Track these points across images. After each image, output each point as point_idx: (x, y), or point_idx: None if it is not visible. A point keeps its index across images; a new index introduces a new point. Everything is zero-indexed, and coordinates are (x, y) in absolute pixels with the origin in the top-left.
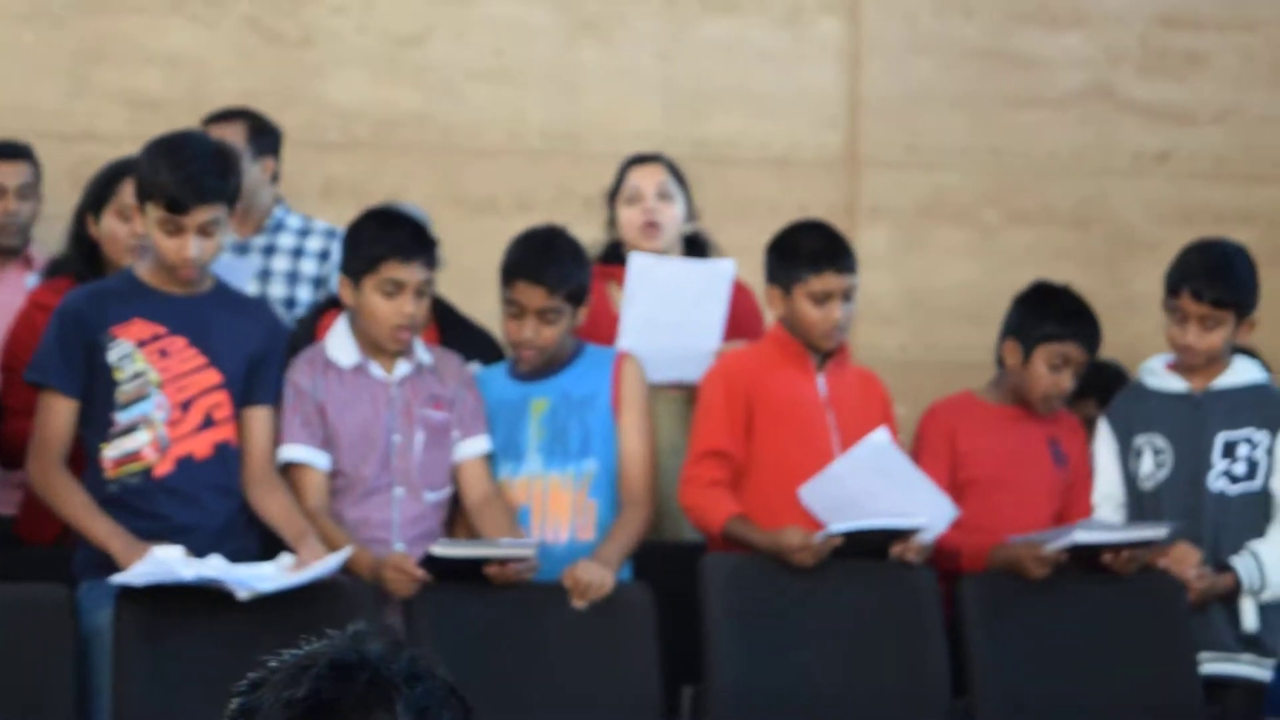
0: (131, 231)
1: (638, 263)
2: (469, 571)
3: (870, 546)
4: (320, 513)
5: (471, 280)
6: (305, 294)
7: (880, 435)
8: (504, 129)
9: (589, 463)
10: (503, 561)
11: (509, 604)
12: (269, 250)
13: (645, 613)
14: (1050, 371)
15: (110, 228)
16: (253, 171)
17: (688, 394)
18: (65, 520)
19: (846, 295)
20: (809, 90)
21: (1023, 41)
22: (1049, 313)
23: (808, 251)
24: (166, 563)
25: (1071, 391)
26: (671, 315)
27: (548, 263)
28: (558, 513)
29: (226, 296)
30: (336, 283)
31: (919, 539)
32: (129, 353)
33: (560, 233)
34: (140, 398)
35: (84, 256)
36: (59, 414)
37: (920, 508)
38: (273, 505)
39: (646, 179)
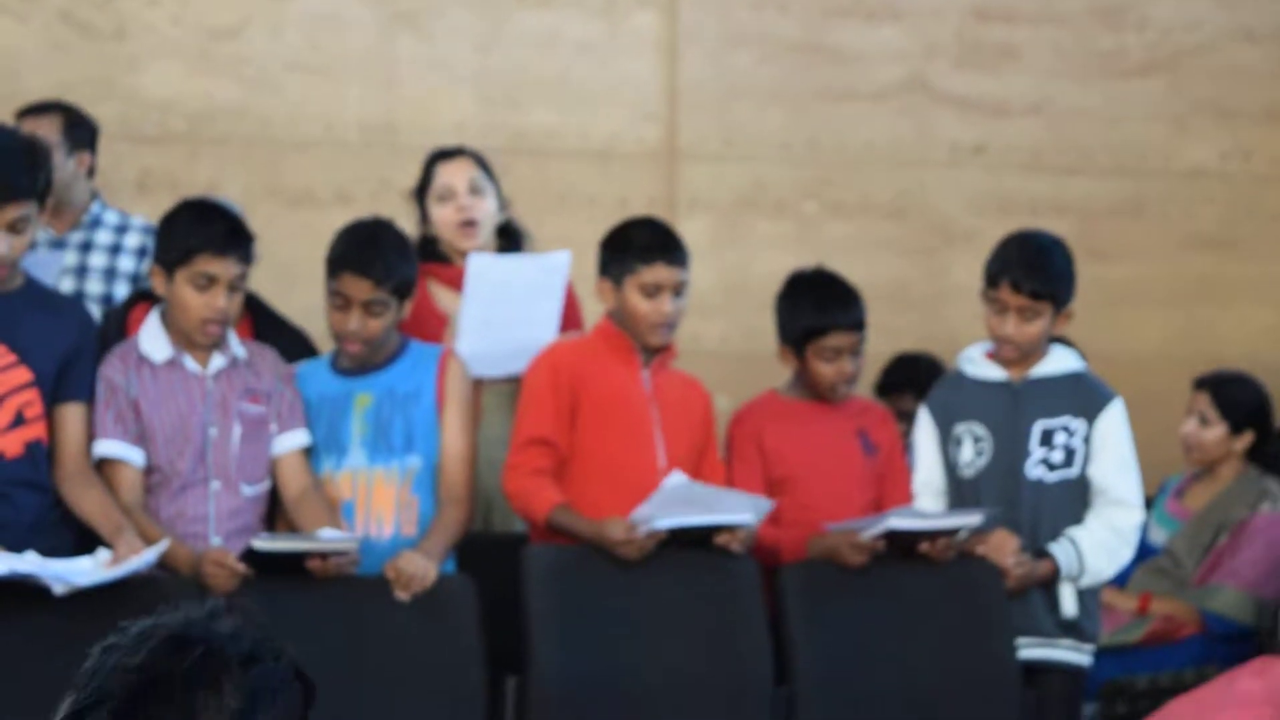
0: None
1: (476, 263)
2: (290, 565)
3: (694, 537)
4: (135, 508)
5: (288, 274)
6: (123, 291)
7: (676, 477)
8: (321, 121)
9: (413, 458)
10: (324, 555)
11: (331, 598)
12: (85, 246)
13: (468, 604)
14: (826, 364)
15: None
16: (68, 166)
17: (516, 385)
18: None
19: (677, 290)
20: (627, 82)
21: (839, 35)
22: (804, 307)
23: (640, 244)
24: None
25: (858, 372)
26: (508, 312)
27: (374, 255)
28: (381, 507)
29: (36, 294)
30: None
31: (742, 529)
32: None
33: (387, 225)
34: None
35: None
36: None
37: (738, 512)
38: (87, 501)
39: (456, 175)
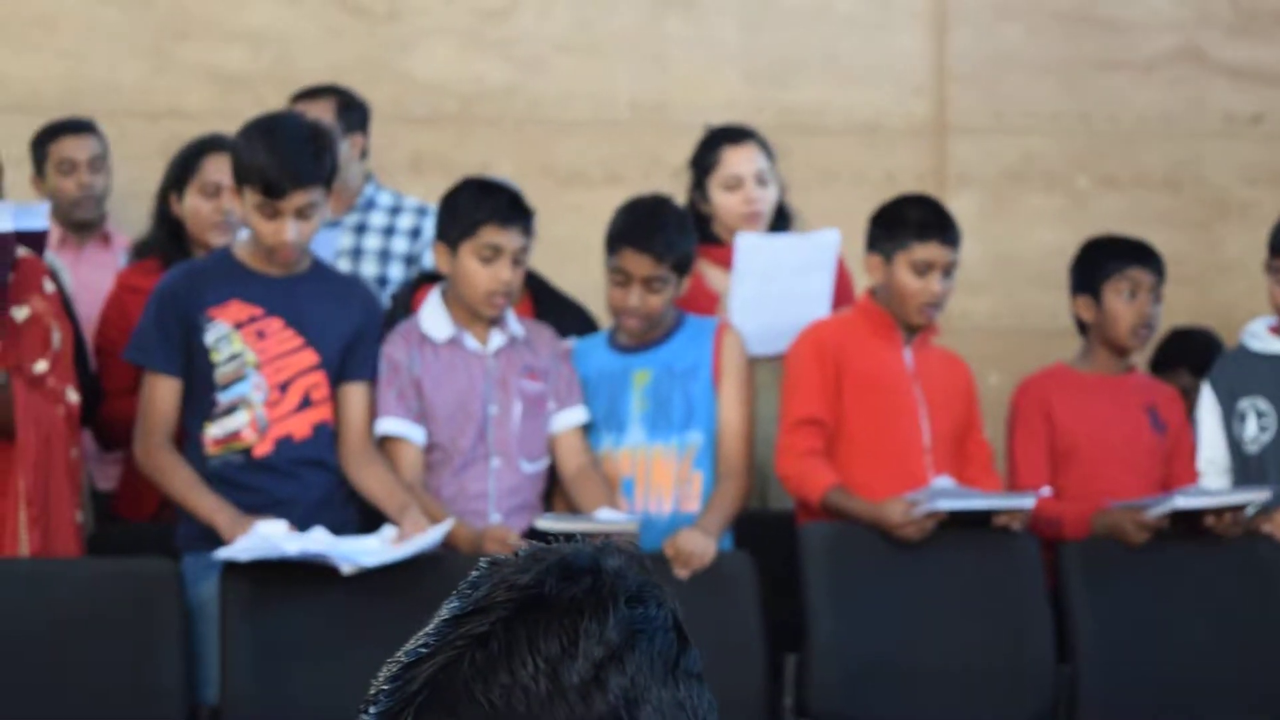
0: (216, 208)
1: (745, 242)
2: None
3: (972, 518)
4: (417, 486)
5: (561, 252)
6: (397, 272)
7: (943, 481)
8: (591, 101)
9: (693, 434)
10: (606, 535)
11: None
12: (360, 228)
13: (747, 581)
14: (1127, 302)
15: (193, 205)
16: (342, 148)
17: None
18: (170, 497)
19: (947, 270)
20: (894, 57)
21: (1110, 4)
22: (1103, 254)
23: (914, 221)
24: (270, 538)
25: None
26: (779, 289)
27: (655, 230)
28: (661, 484)
29: (323, 276)
30: (428, 260)
31: (1022, 511)
32: (225, 334)
33: (666, 201)
34: (238, 379)
35: (169, 235)
36: (161, 393)
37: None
38: (372, 479)
39: (745, 164)
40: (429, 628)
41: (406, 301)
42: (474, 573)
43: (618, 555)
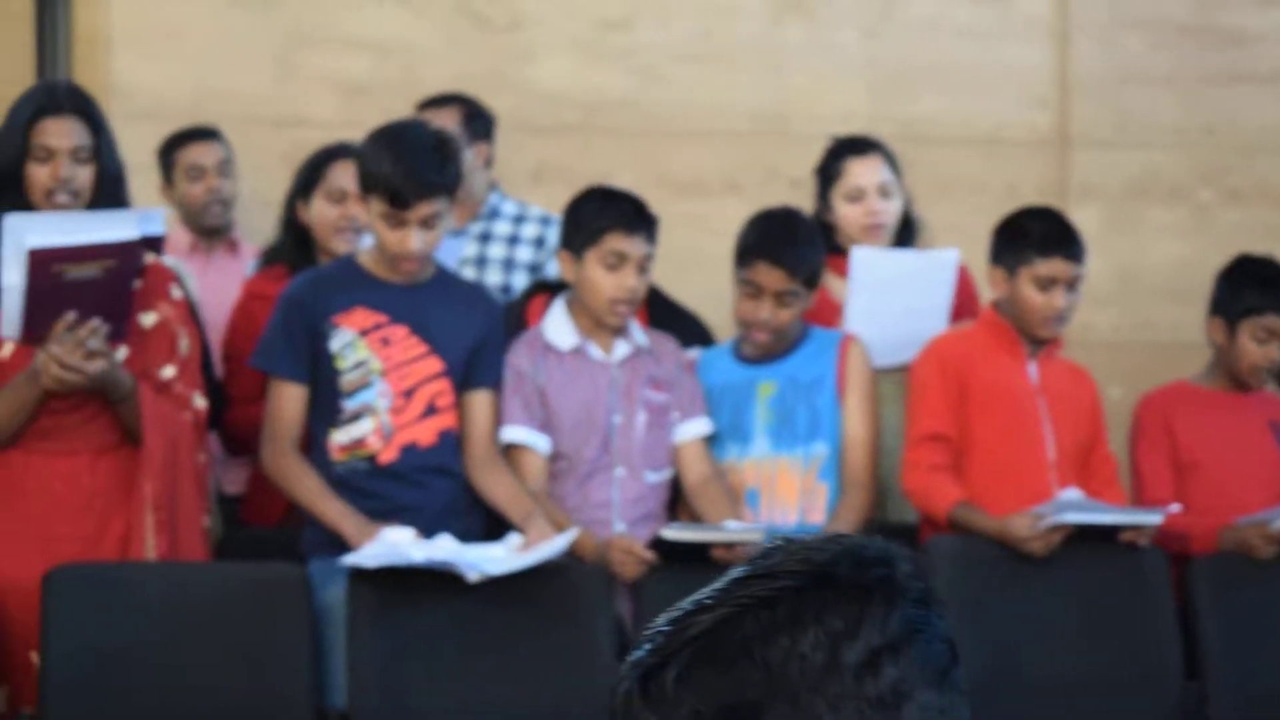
0: (342, 215)
1: (861, 256)
2: (695, 554)
3: (1098, 532)
4: (541, 494)
5: (678, 262)
6: (521, 281)
7: (1071, 493)
8: (711, 111)
9: (818, 446)
10: (730, 545)
11: None
12: (484, 237)
13: None
14: (1257, 345)
15: (320, 212)
16: (466, 157)
17: (906, 374)
18: (297, 503)
19: (1071, 284)
20: (1016, 68)
21: (1232, 17)
22: (1250, 286)
23: (1038, 235)
24: (398, 545)
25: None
26: (896, 303)
27: (788, 244)
28: (786, 495)
29: (446, 283)
30: (551, 270)
31: (1149, 526)
32: (350, 341)
33: (798, 214)
34: (363, 386)
35: (295, 242)
36: (288, 399)
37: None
38: (498, 486)
39: (868, 176)
40: (715, 584)
41: (520, 311)
42: (765, 546)
43: (907, 559)
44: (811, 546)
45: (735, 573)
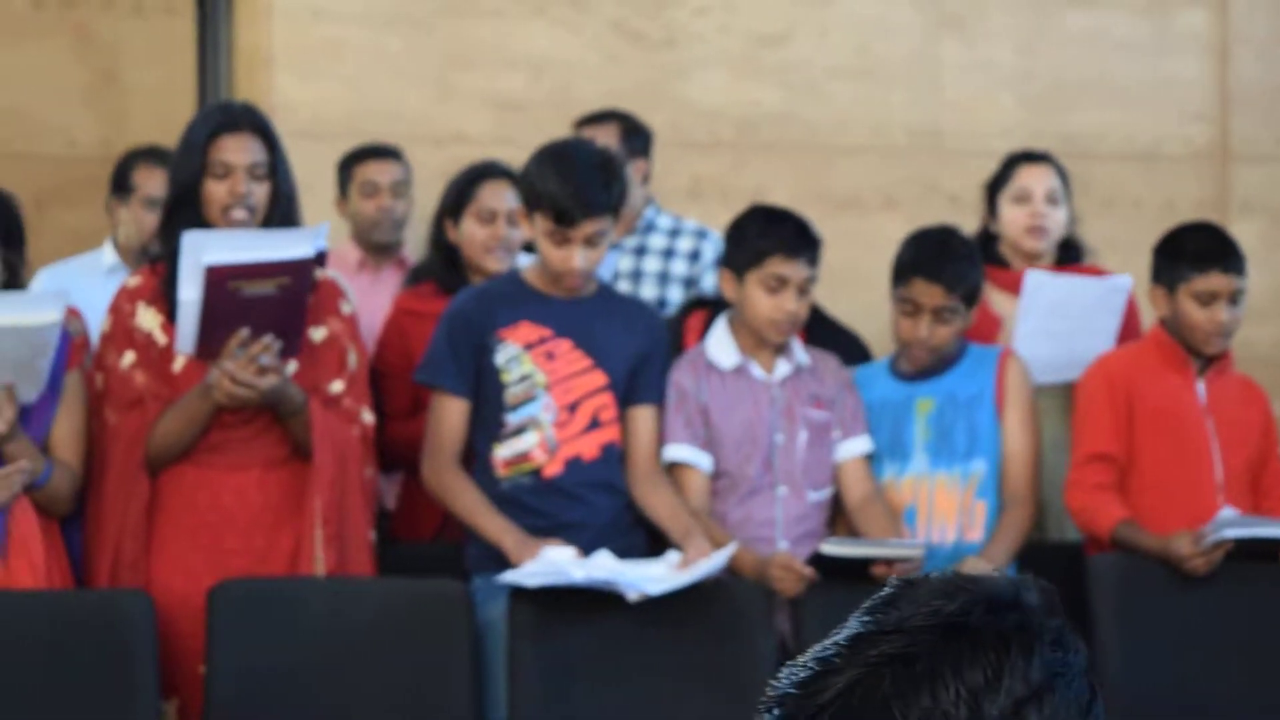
0: (491, 234)
1: (1033, 280)
2: (854, 570)
3: (1261, 550)
4: (703, 512)
5: (835, 278)
6: (676, 295)
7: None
8: (867, 126)
9: (977, 463)
10: (890, 561)
11: None
12: (640, 251)
13: None
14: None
15: (469, 231)
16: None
17: (1066, 389)
18: (458, 518)
19: (1233, 298)
20: (1173, 82)
21: None
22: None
23: (1194, 251)
24: (558, 564)
25: None
26: (1065, 325)
27: (946, 261)
28: (944, 513)
29: (610, 299)
30: (706, 283)
31: None
32: (516, 355)
33: (956, 232)
34: (528, 399)
35: (444, 260)
36: (451, 414)
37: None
38: (659, 503)
39: (1036, 180)
40: (838, 639)
41: (678, 328)
42: (886, 590)
43: (1035, 593)
44: (938, 594)
45: (857, 625)
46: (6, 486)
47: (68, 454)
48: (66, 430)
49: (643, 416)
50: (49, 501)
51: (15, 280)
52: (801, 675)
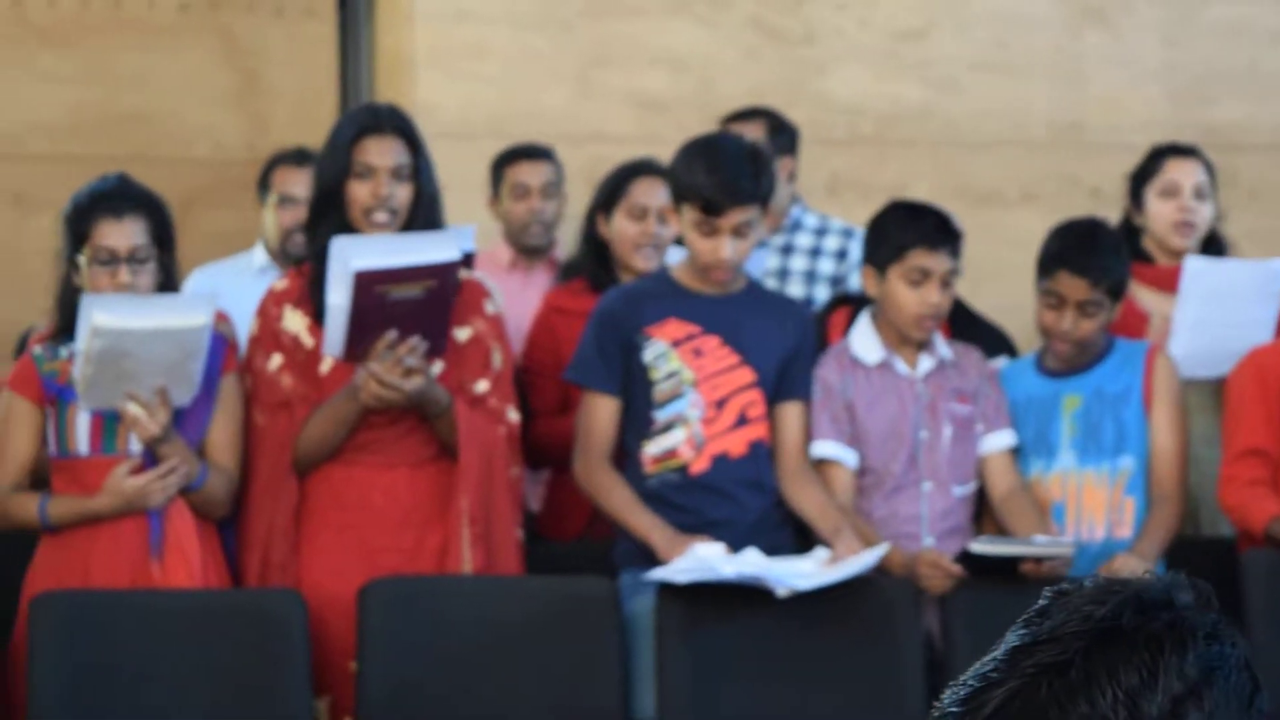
0: (642, 231)
1: (1193, 265)
2: (1002, 568)
3: None
4: (849, 509)
5: (976, 273)
6: (822, 294)
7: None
8: (1007, 120)
9: (1125, 460)
10: (1039, 559)
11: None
12: (786, 249)
13: None
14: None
15: (620, 228)
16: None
17: (1218, 383)
18: (608, 515)
19: None
20: None
21: None
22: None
23: None
24: (707, 560)
25: None
26: (1222, 315)
27: (1091, 253)
28: (1092, 510)
29: (757, 295)
30: (853, 283)
31: None
32: (663, 352)
33: (1101, 224)
34: (675, 396)
35: (595, 257)
36: (601, 412)
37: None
38: (808, 499)
39: (1184, 174)
40: (995, 654)
41: (822, 325)
42: (1040, 602)
43: (1188, 591)
44: (1089, 600)
45: (1014, 638)
46: (161, 489)
47: (224, 458)
48: (222, 434)
49: (791, 413)
50: (204, 504)
51: (170, 283)
52: (963, 692)
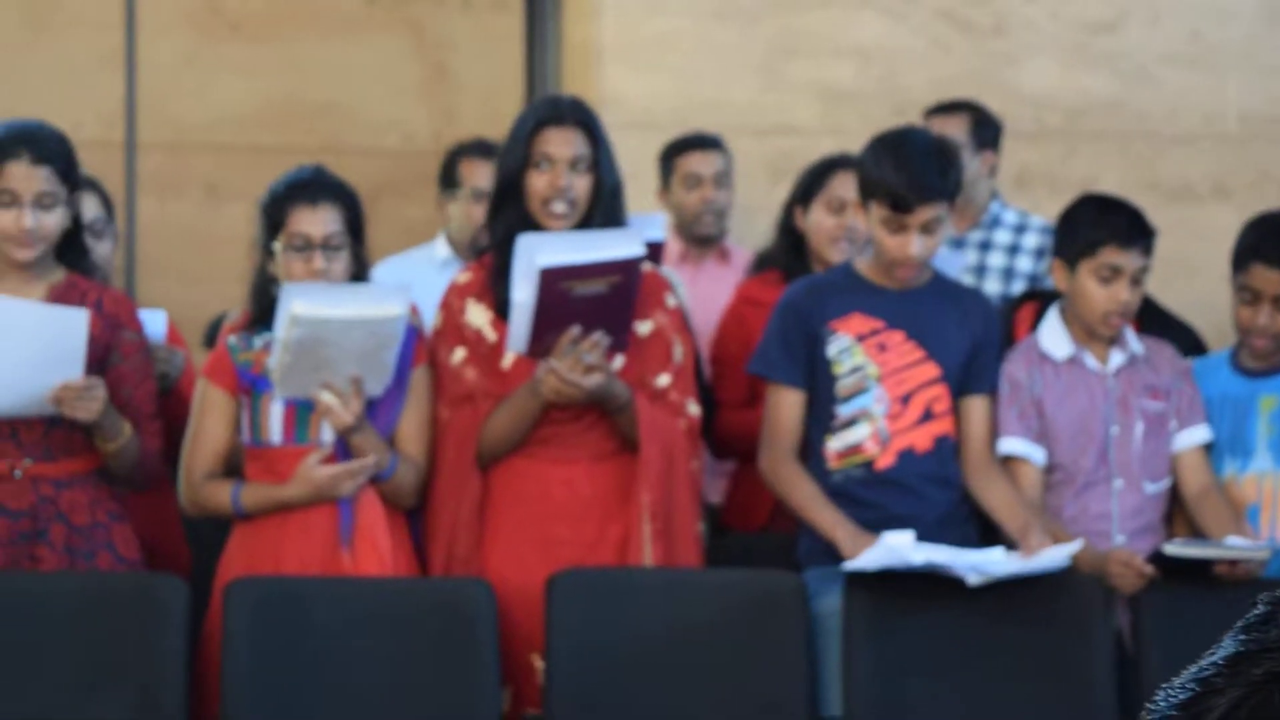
0: (839, 225)
1: None
2: (1195, 569)
3: None
4: (1037, 506)
5: (1167, 268)
6: (1020, 291)
7: None
8: (1200, 113)
9: None
10: (1234, 562)
11: (1236, 601)
12: (984, 246)
13: None
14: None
15: (817, 220)
16: (972, 165)
17: None
18: (792, 509)
19: None
20: None
21: None
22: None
23: None
24: (897, 548)
25: None
26: None
27: None
28: None
29: (943, 288)
30: (1050, 281)
31: None
32: (848, 346)
33: None
34: (859, 391)
35: (790, 249)
36: (786, 406)
37: None
38: (995, 495)
39: None
40: (1214, 660)
41: (1009, 320)
42: (1259, 608)
43: None
44: None
45: (1236, 647)
46: (351, 478)
47: (413, 449)
48: (413, 425)
49: (977, 407)
50: (394, 494)
51: (362, 273)
52: (1181, 697)
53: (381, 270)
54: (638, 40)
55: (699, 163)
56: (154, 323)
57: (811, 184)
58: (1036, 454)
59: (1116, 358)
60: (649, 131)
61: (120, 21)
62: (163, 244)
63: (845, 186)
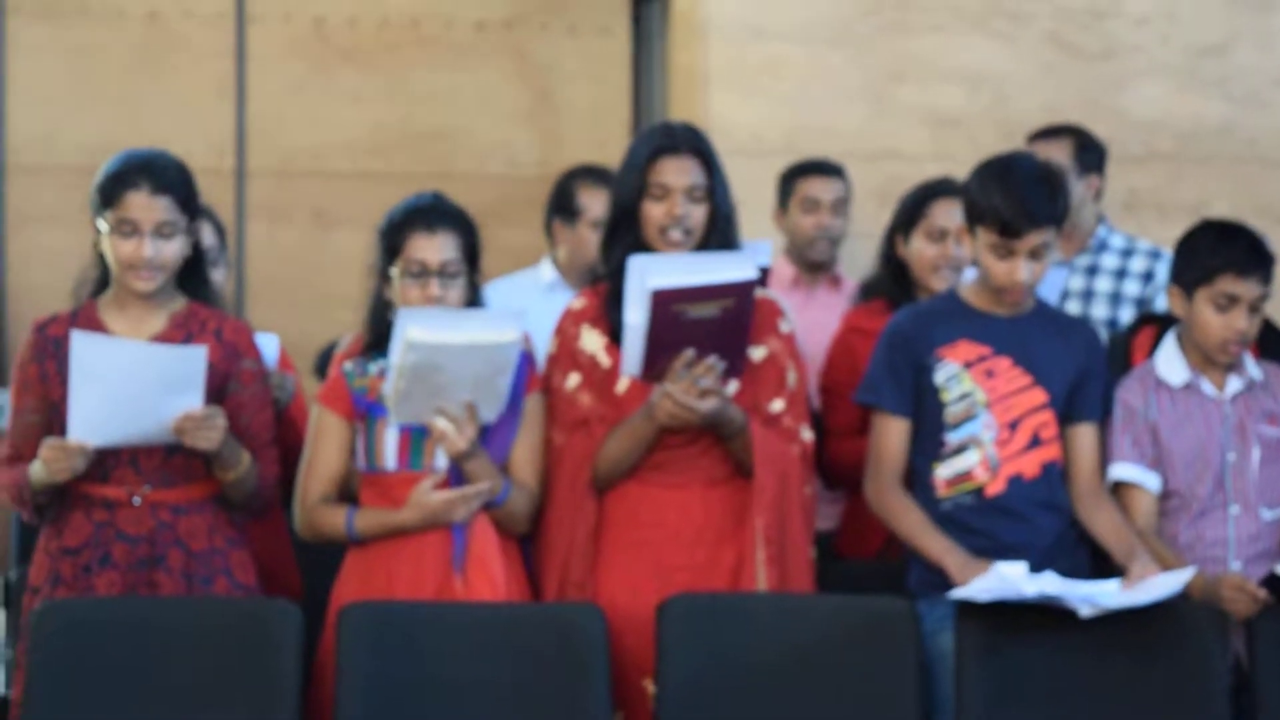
0: (941, 252)
1: None
2: None
3: None
4: (1149, 532)
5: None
6: (1128, 315)
7: None
8: None
9: None
10: None
11: None
12: (1091, 270)
13: None
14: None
15: (918, 248)
16: (1077, 189)
17: None
18: (901, 537)
19: None
20: None
21: None
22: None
23: None
24: (1009, 579)
25: None
26: None
27: None
28: None
29: (1048, 316)
30: (1159, 305)
31: None
32: (955, 373)
33: None
34: (968, 418)
35: (893, 277)
36: (892, 434)
37: None
38: (1103, 521)
39: None
40: None
41: (1125, 345)
42: None
43: None
44: None
45: None
46: (465, 504)
47: (526, 475)
48: (526, 451)
49: (1084, 434)
50: (507, 520)
51: (477, 299)
52: None
53: (487, 292)
54: (744, 65)
55: (819, 188)
56: (266, 347)
57: (911, 213)
58: (1150, 480)
59: (1234, 384)
60: (756, 158)
61: (231, 51)
62: (271, 270)
63: (944, 215)
